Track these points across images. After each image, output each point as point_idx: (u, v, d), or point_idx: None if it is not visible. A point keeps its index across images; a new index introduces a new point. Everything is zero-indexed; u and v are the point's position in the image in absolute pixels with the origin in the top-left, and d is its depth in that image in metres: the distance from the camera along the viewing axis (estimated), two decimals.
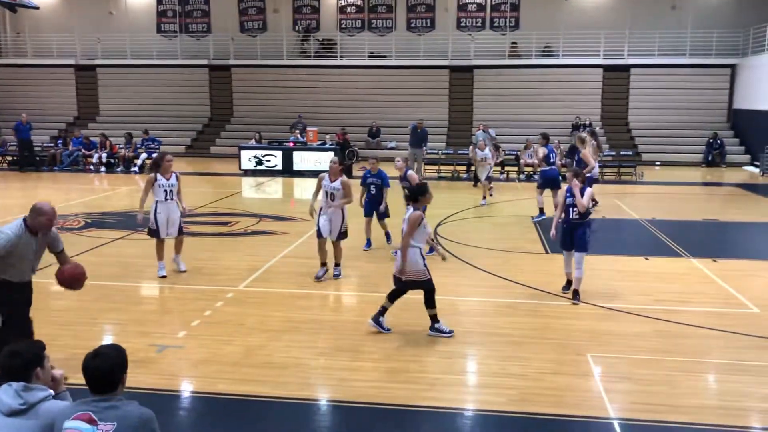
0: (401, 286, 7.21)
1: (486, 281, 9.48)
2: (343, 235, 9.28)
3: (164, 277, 9.24)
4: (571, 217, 8.38)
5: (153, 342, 6.90)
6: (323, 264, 9.29)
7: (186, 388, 6.00)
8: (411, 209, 7.19)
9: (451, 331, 7.19)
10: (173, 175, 9.29)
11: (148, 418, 3.29)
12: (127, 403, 3.29)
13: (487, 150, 16.22)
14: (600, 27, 27.42)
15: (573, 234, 8.37)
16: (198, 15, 29.57)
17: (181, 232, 9.48)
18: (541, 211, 13.88)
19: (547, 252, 11.35)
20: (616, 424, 5.34)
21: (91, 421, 3.17)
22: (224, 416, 5.50)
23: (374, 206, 11.08)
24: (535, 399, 5.72)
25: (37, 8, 28.36)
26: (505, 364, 6.45)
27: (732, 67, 26.84)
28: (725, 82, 27.10)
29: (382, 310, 7.27)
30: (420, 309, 8.09)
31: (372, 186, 11.07)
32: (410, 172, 10.91)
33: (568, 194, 8.42)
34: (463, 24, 28.03)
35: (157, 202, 9.22)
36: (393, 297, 7.31)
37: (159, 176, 9.19)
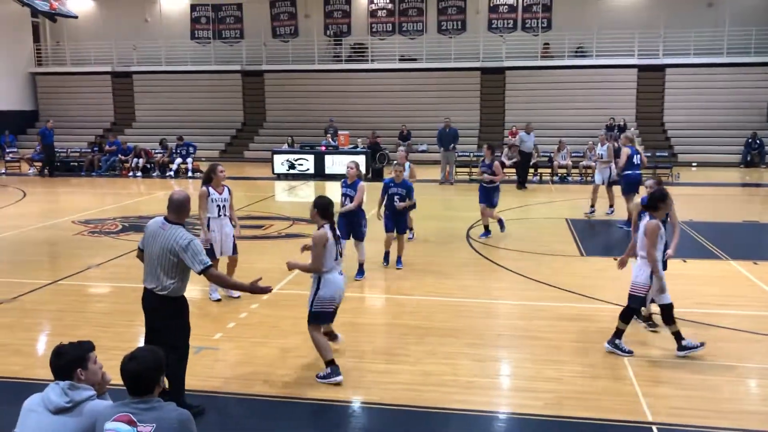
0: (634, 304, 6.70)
1: (519, 284, 9.40)
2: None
3: (219, 300, 8.57)
4: None
5: (190, 344, 6.98)
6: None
7: (222, 390, 6.06)
8: (647, 217, 6.59)
9: (630, 351, 6.62)
10: (225, 188, 8.53)
11: (186, 419, 3.33)
12: (165, 404, 3.34)
13: (406, 165, 11.66)
14: (634, 26, 27.06)
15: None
16: (231, 21, 29.96)
17: (235, 251, 8.66)
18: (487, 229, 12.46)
19: (582, 254, 11.21)
20: (655, 429, 5.24)
21: (130, 423, 3.23)
22: (259, 417, 5.54)
23: (396, 219, 9.96)
24: (571, 403, 5.65)
25: (76, 17, 29.00)
26: (541, 368, 6.38)
27: None
28: (764, 80, 26.51)
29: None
30: (452, 310, 8.08)
31: (396, 197, 9.98)
32: (361, 183, 9.35)
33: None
34: (494, 25, 27.92)
35: (209, 218, 8.40)
36: (630, 316, 6.72)
37: (212, 190, 8.41)
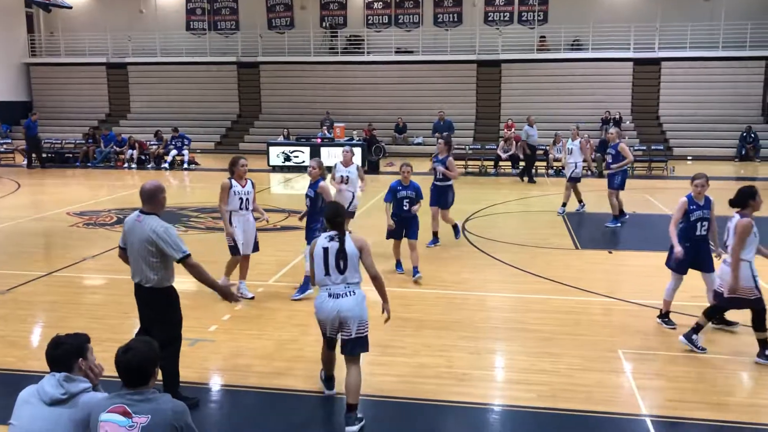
0: (724, 304, 6.43)
1: (514, 277, 9.42)
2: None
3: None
4: (698, 233, 7.10)
5: (185, 335, 6.95)
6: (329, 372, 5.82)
7: (218, 382, 6.07)
8: (737, 216, 6.31)
9: (703, 349, 6.50)
10: (248, 181, 8.13)
11: (181, 411, 3.34)
12: (160, 396, 3.36)
13: (353, 167, 10.67)
14: (630, 20, 27.07)
15: (699, 253, 7.06)
16: (226, 12, 29.82)
17: (256, 248, 8.32)
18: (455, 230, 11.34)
19: (576, 247, 11.24)
20: (648, 421, 5.27)
21: (125, 414, 3.24)
22: (255, 410, 5.55)
23: (407, 224, 9.26)
24: (565, 395, 5.67)
25: (70, 8, 28.89)
26: (535, 360, 6.40)
27: (766, 59, 26.29)
28: (759, 74, 26.60)
29: (697, 328, 6.55)
30: (447, 303, 8.09)
31: (405, 201, 9.21)
32: (323, 182, 8.32)
33: (694, 206, 7.14)
34: (490, 18, 27.86)
35: (231, 212, 8.05)
36: (711, 314, 6.56)
37: (234, 182, 8.00)
